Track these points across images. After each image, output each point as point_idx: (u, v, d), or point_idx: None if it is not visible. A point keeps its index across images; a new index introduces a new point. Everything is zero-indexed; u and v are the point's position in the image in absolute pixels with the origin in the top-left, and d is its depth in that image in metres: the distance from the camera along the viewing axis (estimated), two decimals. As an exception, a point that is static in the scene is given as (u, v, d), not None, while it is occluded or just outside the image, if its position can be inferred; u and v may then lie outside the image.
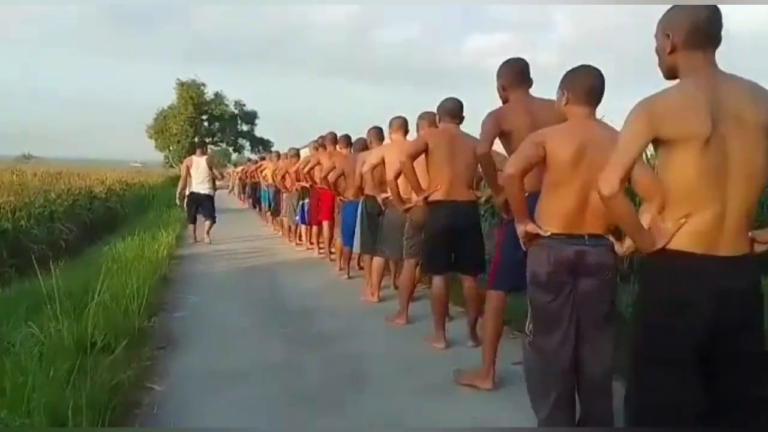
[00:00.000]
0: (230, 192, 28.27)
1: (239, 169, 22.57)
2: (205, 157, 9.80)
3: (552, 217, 2.33)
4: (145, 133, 43.69)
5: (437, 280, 3.87)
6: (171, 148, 42.90)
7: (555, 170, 2.31)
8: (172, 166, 44.98)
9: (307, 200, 8.69)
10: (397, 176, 4.18)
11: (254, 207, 16.29)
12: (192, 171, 9.49)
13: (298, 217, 8.73)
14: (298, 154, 9.79)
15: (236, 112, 45.21)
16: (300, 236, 9.38)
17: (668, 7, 1.81)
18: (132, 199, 18.28)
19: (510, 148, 2.94)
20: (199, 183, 9.45)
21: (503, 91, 3.11)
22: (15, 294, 5.45)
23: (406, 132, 5.11)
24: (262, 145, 45.13)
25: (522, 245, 2.44)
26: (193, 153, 10.10)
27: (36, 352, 3.08)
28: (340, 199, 6.38)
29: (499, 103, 3.16)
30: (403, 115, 5.14)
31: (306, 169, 7.62)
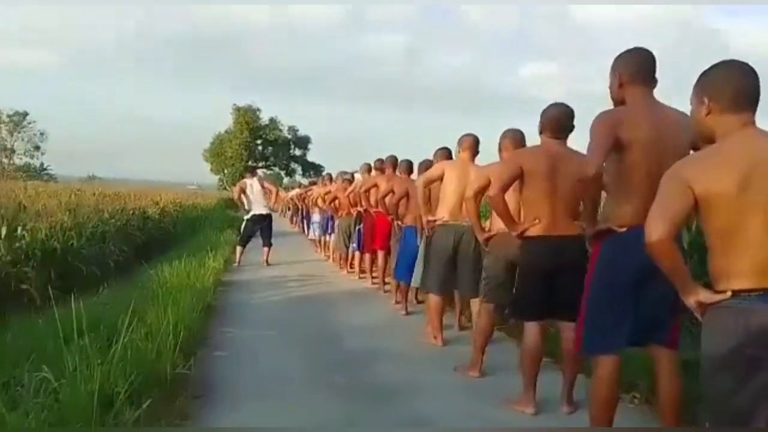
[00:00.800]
0: (282, 215, 28.28)
1: (293, 193, 22.37)
2: (256, 177, 9.73)
3: (733, 270, 1.66)
4: (201, 156, 44.73)
5: (532, 330, 3.17)
6: (225, 171, 43.68)
7: (722, 212, 1.66)
8: (225, 189, 45.69)
9: (360, 226, 8.19)
10: (475, 195, 3.61)
11: (304, 231, 15.96)
12: (248, 193, 9.41)
13: (354, 244, 8.22)
14: (352, 178, 9.32)
15: (289, 137, 45.77)
16: (351, 263, 8.85)
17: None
18: (184, 220, 18.25)
19: (622, 164, 2.39)
20: (257, 204, 9.37)
21: (619, 88, 2.52)
22: (47, 322, 5.05)
23: (475, 154, 4.56)
24: (313, 169, 45.42)
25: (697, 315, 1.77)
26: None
27: (48, 403, 2.58)
28: (398, 224, 5.80)
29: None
30: (452, 141, 4.72)
31: (363, 189, 7.10)
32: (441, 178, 4.47)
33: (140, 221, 14.12)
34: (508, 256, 3.43)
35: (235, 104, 42.92)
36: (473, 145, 4.51)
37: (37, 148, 53.70)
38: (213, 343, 4.40)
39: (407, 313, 5.67)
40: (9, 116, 52.94)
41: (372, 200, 6.96)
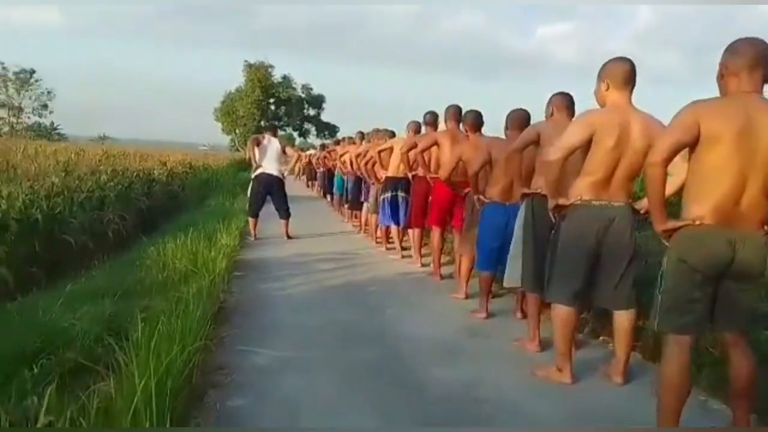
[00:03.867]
0: (297, 178, 26.80)
1: (308, 153, 20.85)
2: (277, 138, 8.27)
3: None
4: (212, 115, 43.08)
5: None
6: (237, 131, 42.09)
7: None
8: (238, 150, 44.24)
9: (399, 193, 6.73)
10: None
11: (324, 196, 14.52)
12: (262, 149, 7.98)
13: (382, 215, 6.82)
14: (393, 134, 7.80)
15: (303, 95, 43.91)
16: (388, 238, 7.43)
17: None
18: (195, 183, 16.82)
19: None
20: (270, 163, 7.98)
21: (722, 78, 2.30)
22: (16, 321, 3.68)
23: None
24: (327, 130, 43.82)
25: None
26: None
27: None
28: (479, 198, 4.33)
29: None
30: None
31: (419, 149, 5.62)
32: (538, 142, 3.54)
33: (145, 184, 12.73)
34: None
35: (246, 61, 40.98)
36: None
37: (45, 106, 52.51)
38: (226, 379, 2.97)
39: (489, 316, 4.26)
40: (15, 74, 51.54)
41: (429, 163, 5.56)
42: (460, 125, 5.49)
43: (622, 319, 3.02)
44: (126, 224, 10.48)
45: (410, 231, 6.73)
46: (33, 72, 51.85)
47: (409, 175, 6.25)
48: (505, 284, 3.90)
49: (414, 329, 3.93)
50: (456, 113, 5.54)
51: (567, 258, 2.99)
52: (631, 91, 3.00)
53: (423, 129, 6.20)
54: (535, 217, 3.55)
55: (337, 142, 13.30)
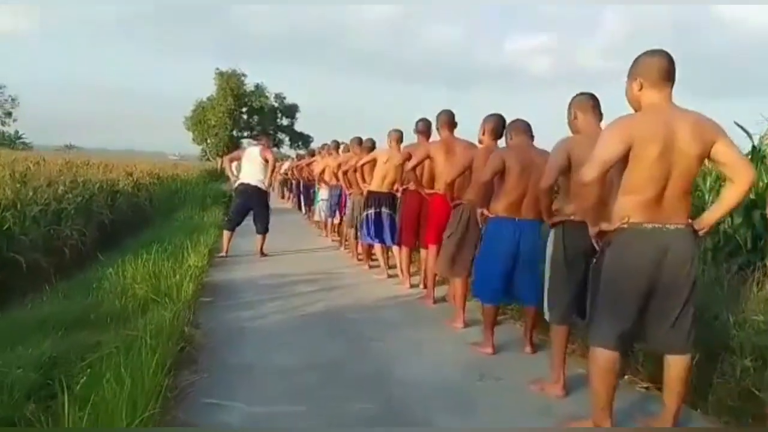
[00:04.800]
0: (269, 188, 26.10)
1: (285, 166, 20.20)
2: (260, 147, 7.65)
3: None
4: (182, 124, 41.99)
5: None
6: (209, 140, 41.07)
7: None
8: (209, 159, 43.16)
9: (383, 209, 6.23)
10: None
11: (300, 209, 13.90)
12: (243, 161, 7.59)
13: (365, 233, 6.28)
14: (373, 146, 7.28)
15: (276, 105, 43.17)
16: (370, 255, 6.88)
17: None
18: (163, 194, 16.01)
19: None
20: (250, 174, 7.45)
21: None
22: None
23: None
24: (301, 140, 43.11)
25: None
26: (233, 148, 8.08)
27: None
28: (483, 214, 3.81)
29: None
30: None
31: (412, 163, 5.11)
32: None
33: (107, 196, 11.93)
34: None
35: (218, 68, 40.07)
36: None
37: (9, 114, 50.68)
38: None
39: (494, 352, 3.73)
40: (-24, 81, 49.69)
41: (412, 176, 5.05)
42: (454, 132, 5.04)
43: (677, 363, 2.51)
44: (86, 240, 9.75)
45: (395, 248, 6.21)
46: (-5, 79, 50.11)
47: (399, 189, 5.73)
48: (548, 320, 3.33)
49: (413, 370, 3.37)
50: (449, 120, 5.06)
51: (613, 293, 2.47)
52: (670, 89, 2.51)
53: (416, 138, 5.68)
54: (566, 248, 3.07)
55: (312, 153, 12.70)
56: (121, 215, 12.29)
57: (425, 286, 5.54)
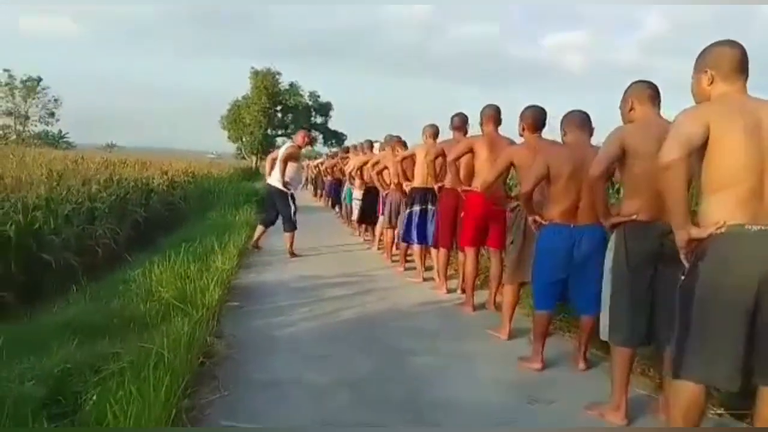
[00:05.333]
0: (303, 187, 26.02)
1: (316, 162, 20.05)
2: (287, 144, 7.91)
3: None
4: (218, 123, 42.42)
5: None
6: (244, 139, 41.37)
7: None
8: (244, 158, 43.51)
9: (429, 206, 5.90)
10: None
11: (333, 207, 13.68)
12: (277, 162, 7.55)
13: (406, 232, 5.96)
14: (405, 144, 6.96)
15: (310, 103, 43.19)
16: (406, 256, 6.59)
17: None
18: (197, 192, 16.00)
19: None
20: (272, 173, 7.58)
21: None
22: None
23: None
24: (335, 138, 43.06)
25: None
26: (267, 146, 8.13)
27: None
28: (536, 221, 3.45)
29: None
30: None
31: (453, 157, 4.78)
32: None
33: (142, 195, 11.92)
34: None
35: (253, 67, 40.29)
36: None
37: (52, 114, 52.16)
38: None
39: (543, 367, 3.37)
40: (22, 81, 51.24)
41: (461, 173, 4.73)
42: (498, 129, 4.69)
43: None
44: (119, 239, 9.70)
45: (433, 251, 5.89)
46: (40, 80, 51.59)
47: (435, 187, 5.40)
48: (601, 337, 2.97)
49: (455, 391, 3.04)
50: (495, 115, 4.71)
51: (711, 318, 2.05)
52: (744, 82, 2.18)
53: (452, 134, 5.34)
54: (629, 254, 2.69)
55: (347, 150, 12.41)
56: (155, 214, 12.28)
57: (463, 291, 5.21)
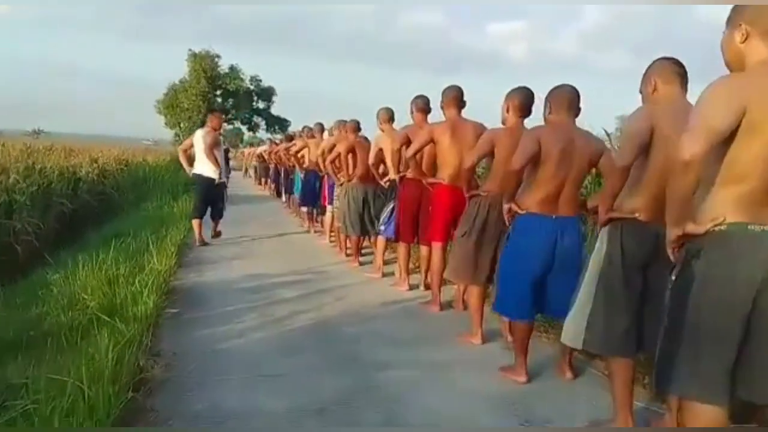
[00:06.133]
0: (245, 175, 25.07)
1: (261, 149, 19.25)
2: (203, 131, 7.25)
3: None
4: (154, 108, 40.43)
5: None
6: (182, 124, 39.56)
7: None
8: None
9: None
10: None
11: (279, 196, 13.06)
12: (194, 147, 7.24)
13: (383, 227, 5.50)
14: (358, 126, 6.49)
15: (252, 88, 41.78)
16: (359, 249, 6.17)
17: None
18: (131, 182, 14.98)
19: None
20: (198, 163, 7.19)
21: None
22: None
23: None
24: (278, 124, 41.94)
25: None
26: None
27: None
28: (512, 210, 3.07)
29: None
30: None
31: (414, 149, 4.37)
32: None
33: (68, 184, 10.95)
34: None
35: (191, 49, 38.50)
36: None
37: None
38: None
39: (528, 379, 3.01)
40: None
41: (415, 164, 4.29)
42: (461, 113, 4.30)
43: None
44: (43, 233, 8.85)
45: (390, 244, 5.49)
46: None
47: (396, 178, 4.98)
48: (563, 340, 2.66)
49: (437, 412, 2.63)
50: (457, 98, 4.31)
51: (709, 325, 1.77)
52: None
53: (414, 117, 4.92)
54: (625, 254, 2.38)
55: (291, 138, 11.75)
56: (83, 205, 11.36)
57: (427, 288, 4.84)
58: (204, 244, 6.99)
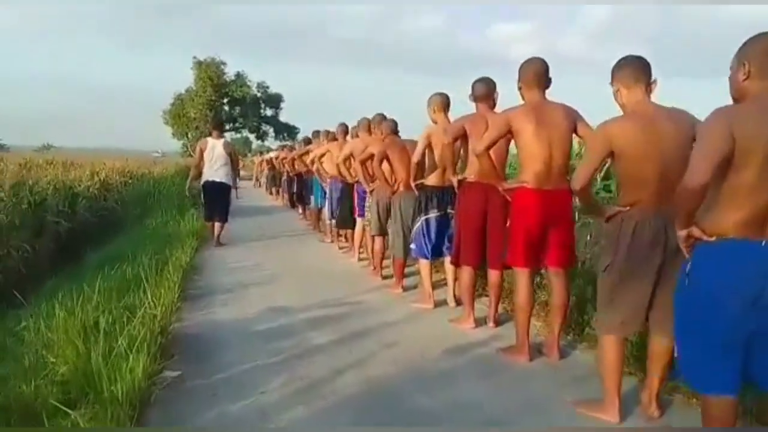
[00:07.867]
0: (256, 184, 24.06)
1: (270, 155, 18.25)
2: (223, 140, 7.70)
3: None
4: (161, 118, 39.64)
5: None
6: (189, 134, 38.76)
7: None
8: (190, 155, 40.92)
9: (449, 210, 4.37)
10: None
11: (293, 207, 11.99)
12: (206, 155, 7.52)
13: (413, 245, 4.43)
14: (395, 128, 5.40)
15: (259, 94, 40.91)
16: (402, 272, 5.07)
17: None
18: (135, 195, 13.95)
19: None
20: (212, 170, 7.49)
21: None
22: None
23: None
24: (287, 131, 41.04)
25: None
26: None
27: None
28: (697, 235, 1.97)
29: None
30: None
31: (486, 143, 3.31)
32: None
33: (64, 200, 9.94)
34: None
35: (195, 57, 37.66)
36: None
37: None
38: None
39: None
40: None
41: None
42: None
43: None
44: (34, 257, 7.88)
45: (448, 267, 4.41)
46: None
47: (455, 182, 3.89)
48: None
49: None
50: (538, 73, 3.23)
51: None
52: None
53: (475, 107, 3.84)
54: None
55: (308, 142, 10.65)
56: (82, 222, 10.36)
57: (496, 324, 3.79)
58: (220, 244, 7.38)
